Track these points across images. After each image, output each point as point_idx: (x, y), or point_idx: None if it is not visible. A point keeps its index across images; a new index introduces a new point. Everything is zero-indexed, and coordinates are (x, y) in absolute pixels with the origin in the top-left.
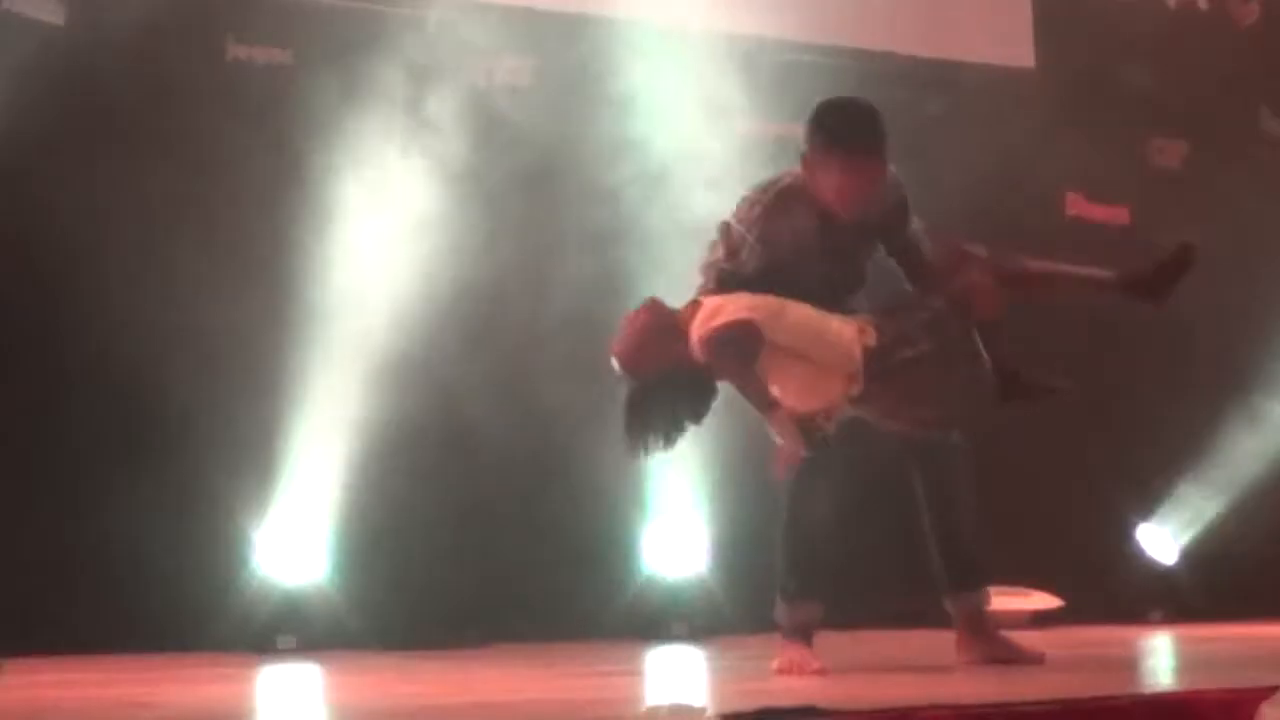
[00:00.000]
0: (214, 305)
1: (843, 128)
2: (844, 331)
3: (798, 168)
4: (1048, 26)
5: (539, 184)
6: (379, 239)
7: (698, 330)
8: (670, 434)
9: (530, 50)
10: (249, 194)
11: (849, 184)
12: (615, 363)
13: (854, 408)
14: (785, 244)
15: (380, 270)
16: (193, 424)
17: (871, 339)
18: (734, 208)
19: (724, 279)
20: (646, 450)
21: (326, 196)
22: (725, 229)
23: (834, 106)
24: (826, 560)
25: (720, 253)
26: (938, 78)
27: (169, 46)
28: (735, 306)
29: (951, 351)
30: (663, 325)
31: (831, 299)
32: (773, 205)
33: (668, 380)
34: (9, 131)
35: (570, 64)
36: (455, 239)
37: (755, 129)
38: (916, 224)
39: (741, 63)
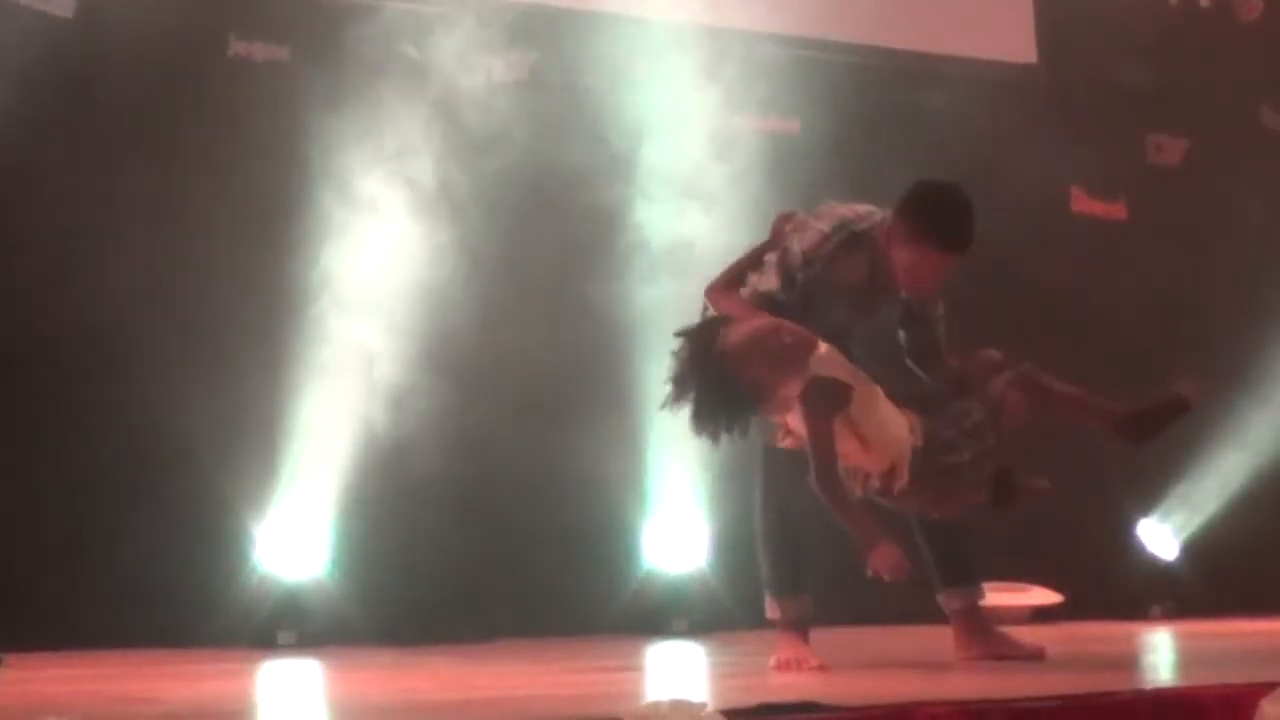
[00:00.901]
0: (214, 301)
1: (948, 228)
2: (901, 428)
3: (873, 211)
4: (1049, 22)
5: (540, 179)
6: (381, 237)
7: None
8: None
9: (531, 45)
10: (250, 190)
11: (928, 275)
12: (722, 346)
13: (883, 498)
14: (836, 287)
15: (381, 268)
16: (194, 420)
17: (919, 439)
18: (800, 229)
19: (760, 300)
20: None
21: (326, 197)
22: (784, 253)
23: (943, 199)
24: (812, 552)
25: (774, 281)
26: (939, 73)
27: (173, 42)
28: (836, 363)
29: (984, 460)
30: (775, 344)
31: (837, 341)
32: (842, 247)
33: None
34: (13, 123)
35: (571, 59)
36: (457, 235)
37: (753, 124)
38: (942, 308)
39: (740, 57)
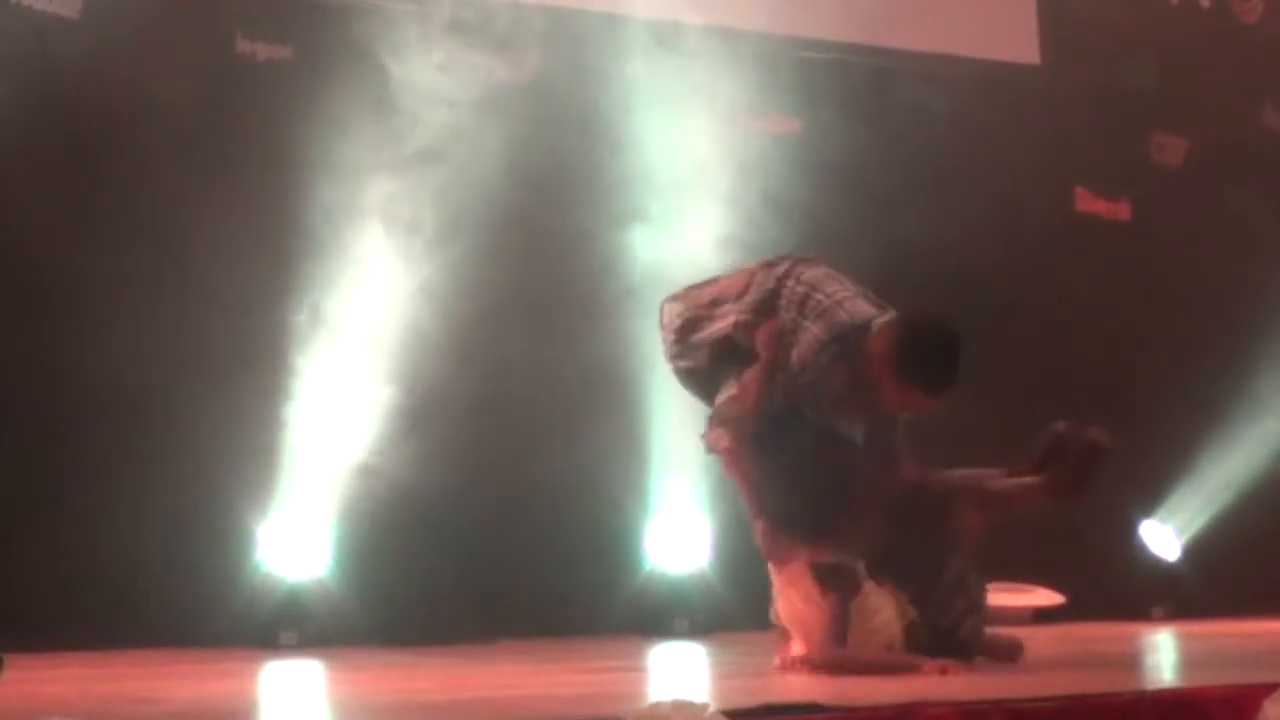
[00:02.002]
0: (217, 300)
1: (940, 379)
2: (889, 610)
3: (871, 315)
4: (1052, 23)
5: (544, 175)
6: (384, 238)
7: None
8: None
9: (533, 45)
10: (253, 188)
11: (908, 409)
12: None
13: None
14: (820, 396)
15: (383, 266)
16: (196, 419)
17: (912, 614)
18: (798, 333)
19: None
20: None
21: (329, 196)
22: (773, 360)
23: (934, 344)
24: None
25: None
26: (943, 74)
27: (179, 40)
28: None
29: (977, 596)
30: None
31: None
32: (836, 360)
33: None
34: (16, 120)
35: (573, 58)
36: (460, 237)
37: (759, 124)
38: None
39: (742, 57)
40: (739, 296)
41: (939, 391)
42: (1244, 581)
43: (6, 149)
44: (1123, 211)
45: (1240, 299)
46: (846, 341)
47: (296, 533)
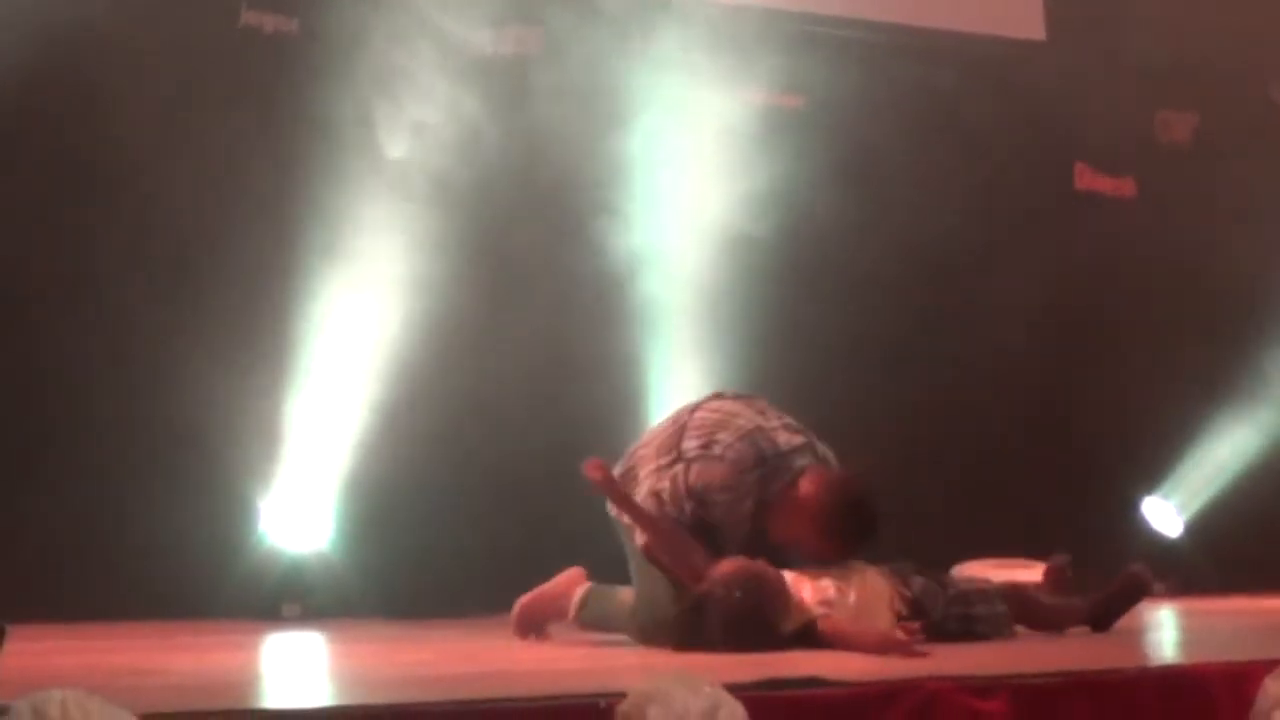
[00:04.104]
0: (219, 273)
1: (862, 540)
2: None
3: (793, 449)
4: None
5: (542, 151)
6: (389, 210)
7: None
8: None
9: (535, 19)
10: (258, 162)
11: (810, 552)
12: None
13: None
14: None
15: (386, 238)
16: (200, 393)
17: (908, 599)
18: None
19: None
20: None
21: (335, 169)
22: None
23: (863, 513)
24: None
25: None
26: (946, 49)
27: (184, 10)
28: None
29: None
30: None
31: None
32: (754, 485)
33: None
34: (21, 91)
35: (576, 33)
36: (465, 205)
37: (761, 99)
38: None
39: (745, 33)
40: (656, 448)
41: (859, 549)
42: (1246, 558)
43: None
44: (1127, 188)
45: (1246, 274)
46: (766, 468)
47: (299, 505)
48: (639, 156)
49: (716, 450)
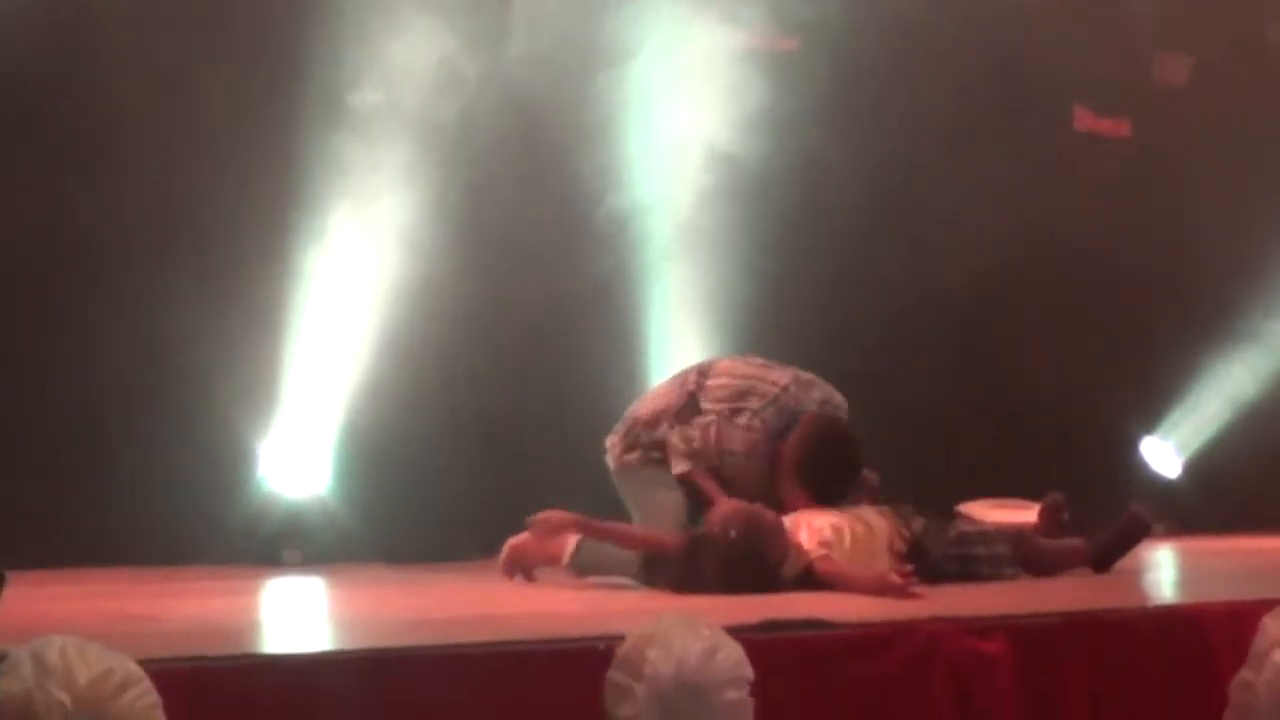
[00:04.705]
0: (217, 213)
1: (839, 493)
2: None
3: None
4: None
5: (531, 97)
6: (383, 153)
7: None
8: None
9: None
10: (253, 103)
11: (790, 499)
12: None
13: None
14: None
15: (383, 189)
16: (197, 337)
17: (905, 535)
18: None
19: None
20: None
21: (330, 108)
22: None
23: (843, 465)
24: None
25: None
26: None
27: None
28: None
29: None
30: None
31: None
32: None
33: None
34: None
35: None
36: (461, 154)
37: (750, 42)
38: None
39: None
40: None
41: (827, 499)
42: (1245, 498)
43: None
44: (1123, 129)
45: (1244, 214)
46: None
47: (298, 450)
48: (624, 104)
49: (743, 420)
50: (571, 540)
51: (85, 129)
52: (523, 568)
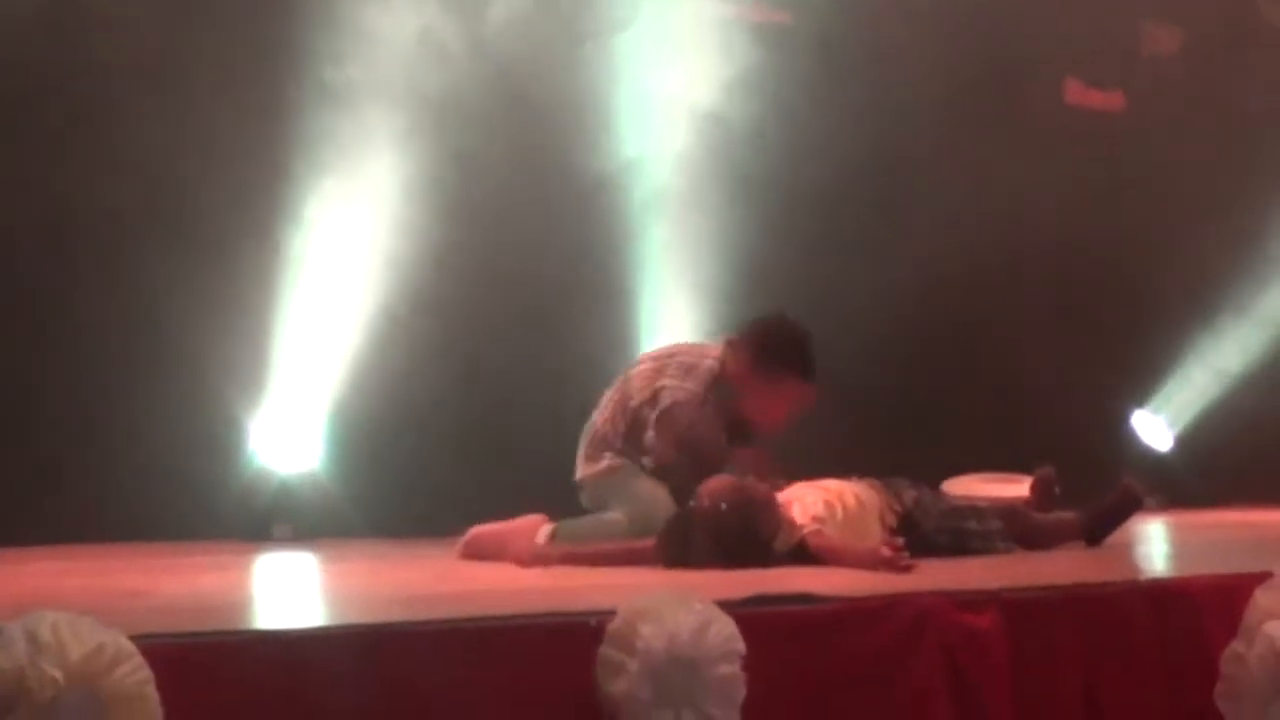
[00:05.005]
0: (208, 187)
1: (809, 357)
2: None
3: (709, 349)
4: None
5: (518, 67)
6: (378, 128)
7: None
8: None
9: None
10: (245, 81)
11: (787, 409)
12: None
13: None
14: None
15: (373, 162)
16: (188, 311)
17: (895, 509)
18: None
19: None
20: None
21: (322, 85)
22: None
23: (797, 333)
24: None
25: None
26: None
27: None
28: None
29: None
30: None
31: None
32: (715, 403)
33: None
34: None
35: None
36: (449, 126)
37: (742, 14)
38: None
39: None
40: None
41: (812, 368)
42: (1235, 471)
43: None
44: (1116, 102)
45: (1235, 188)
46: (716, 382)
47: (289, 425)
48: (612, 73)
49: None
50: (544, 529)
51: (73, 109)
52: (483, 558)
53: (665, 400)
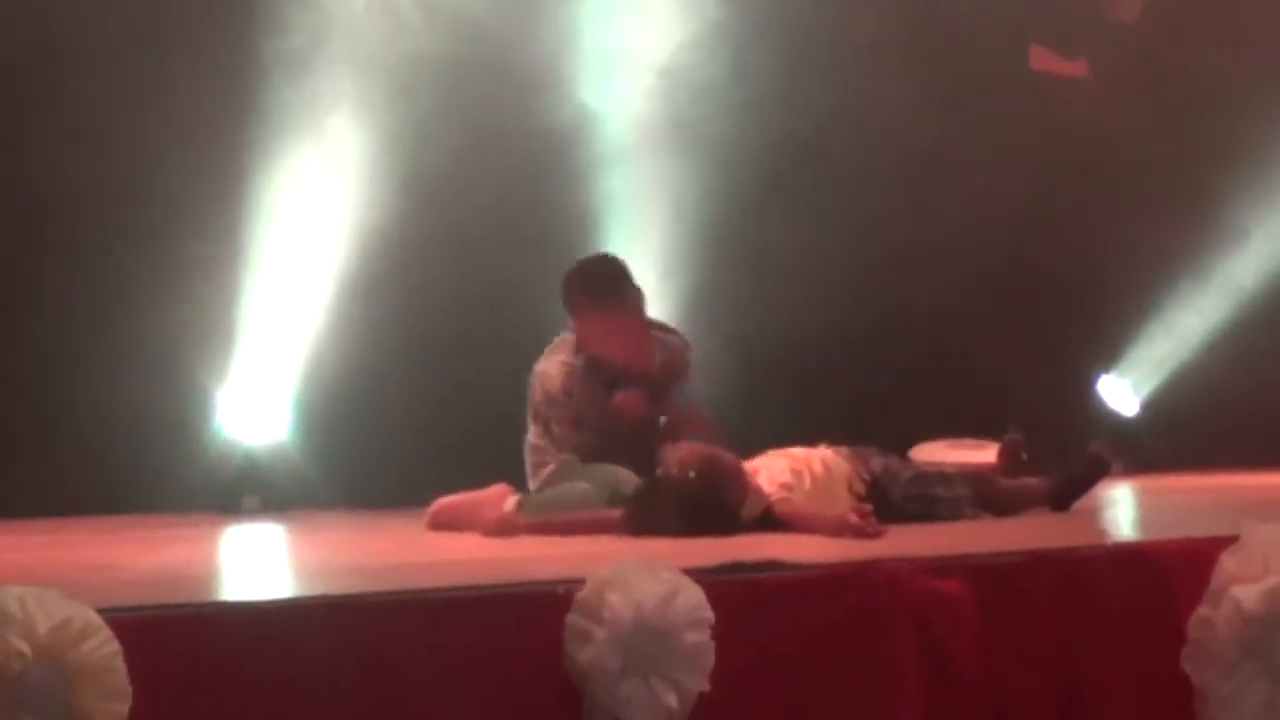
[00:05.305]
0: (180, 166)
1: (618, 276)
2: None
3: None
4: None
5: (496, 32)
6: (345, 92)
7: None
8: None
9: None
10: (207, 49)
11: (626, 335)
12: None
13: None
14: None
15: (340, 132)
16: (156, 286)
17: (863, 478)
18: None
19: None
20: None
21: (281, 59)
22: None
23: (597, 261)
24: None
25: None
26: None
27: None
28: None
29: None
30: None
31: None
32: (587, 370)
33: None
34: None
35: None
36: (411, 89)
37: None
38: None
39: None
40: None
41: (626, 288)
42: (1202, 436)
43: None
44: (1080, 70)
45: (1199, 152)
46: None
47: (257, 397)
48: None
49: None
50: (511, 500)
51: (32, 83)
52: (448, 528)
53: (542, 386)
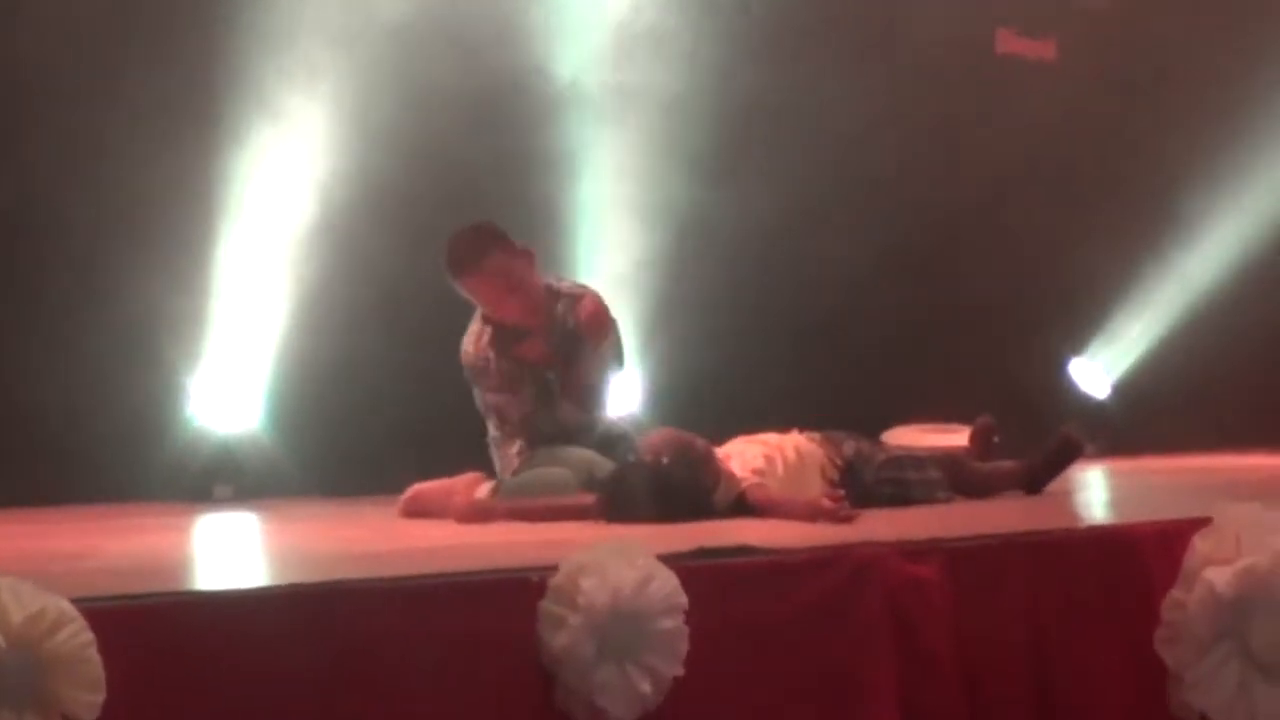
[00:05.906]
0: (147, 152)
1: (455, 248)
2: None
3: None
4: None
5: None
6: (312, 86)
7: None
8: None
9: None
10: (181, 40)
11: (505, 290)
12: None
13: None
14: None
15: (309, 121)
16: (127, 273)
17: (838, 461)
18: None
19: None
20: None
21: (256, 53)
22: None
23: (450, 240)
24: None
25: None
26: None
27: None
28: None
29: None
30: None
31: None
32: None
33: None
34: None
35: None
36: (389, 84)
37: None
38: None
39: None
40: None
41: (483, 250)
42: (1174, 418)
43: None
44: (1048, 51)
45: (1168, 133)
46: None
47: (229, 385)
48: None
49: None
50: (485, 486)
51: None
52: (422, 515)
53: (463, 360)
